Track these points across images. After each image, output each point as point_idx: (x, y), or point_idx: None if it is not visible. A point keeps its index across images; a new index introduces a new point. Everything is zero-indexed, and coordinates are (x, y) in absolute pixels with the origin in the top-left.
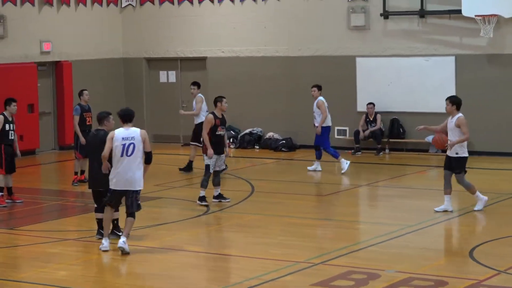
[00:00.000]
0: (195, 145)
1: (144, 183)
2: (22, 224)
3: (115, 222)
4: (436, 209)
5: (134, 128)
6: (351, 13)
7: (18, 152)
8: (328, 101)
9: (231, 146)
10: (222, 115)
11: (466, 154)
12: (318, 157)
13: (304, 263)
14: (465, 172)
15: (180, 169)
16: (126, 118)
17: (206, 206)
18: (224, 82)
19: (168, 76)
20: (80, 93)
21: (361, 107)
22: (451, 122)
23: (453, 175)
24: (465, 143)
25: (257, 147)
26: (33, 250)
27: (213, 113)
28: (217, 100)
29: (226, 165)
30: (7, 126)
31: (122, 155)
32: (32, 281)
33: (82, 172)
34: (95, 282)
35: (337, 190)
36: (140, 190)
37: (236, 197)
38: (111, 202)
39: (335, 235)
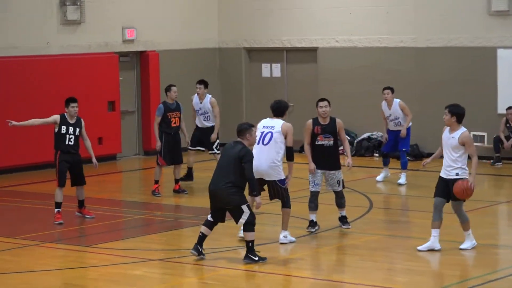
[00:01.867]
0: (197, 150)
1: (289, 181)
2: (99, 241)
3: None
4: (420, 248)
5: (279, 120)
6: None
7: (94, 160)
8: (463, 101)
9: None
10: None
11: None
12: (386, 163)
13: None
14: (464, 200)
15: (180, 179)
16: (277, 112)
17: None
18: (337, 77)
19: (272, 70)
20: (168, 89)
21: (502, 109)
22: (452, 138)
23: (448, 203)
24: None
25: (377, 154)
26: (113, 271)
27: (315, 118)
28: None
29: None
30: (63, 129)
31: (258, 143)
32: None
33: (177, 181)
34: None
35: (472, 207)
36: (282, 180)
37: (351, 214)
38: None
39: (469, 261)
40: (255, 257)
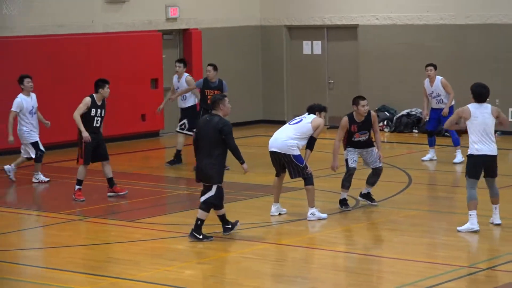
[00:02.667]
0: (184, 133)
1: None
2: (142, 216)
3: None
4: (460, 228)
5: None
6: None
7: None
8: (503, 80)
9: (385, 130)
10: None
11: None
12: (432, 144)
13: (470, 268)
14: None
15: (167, 163)
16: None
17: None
18: (377, 54)
19: (312, 47)
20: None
21: None
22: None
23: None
24: None
25: (416, 131)
26: (156, 246)
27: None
28: (355, 102)
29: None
30: (93, 111)
31: (287, 123)
32: (155, 281)
33: None
34: (228, 284)
35: (507, 184)
36: (296, 156)
37: (390, 190)
38: (275, 169)
39: (508, 236)
40: (200, 235)
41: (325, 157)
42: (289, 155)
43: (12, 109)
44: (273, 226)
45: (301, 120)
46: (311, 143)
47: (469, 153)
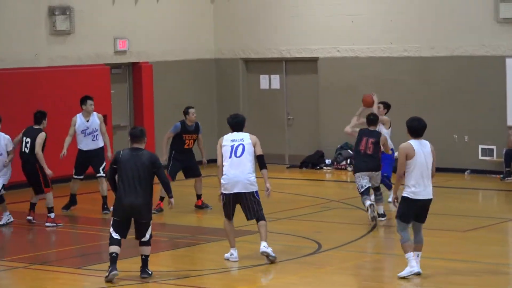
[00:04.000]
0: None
1: (270, 188)
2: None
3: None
4: (401, 274)
5: (244, 133)
6: (500, 2)
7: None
8: (471, 112)
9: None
10: None
11: None
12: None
13: None
14: None
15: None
16: (237, 127)
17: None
18: (339, 88)
19: (270, 81)
20: (186, 112)
21: None
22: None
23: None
24: None
25: None
26: None
27: None
28: None
29: None
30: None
31: (230, 157)
32: None
33: (199, 196)
34: None
35: (481, 225)
36: (257, 191)
37: (354, 232)
38: (228, 212)
39: (479, 280)
40: (150, 271)
41: (286, 198)
42: (253, 192)
43: None
44: (231, 272)
45: (244, 146)
46: (262, 162)
47: (404, 195)
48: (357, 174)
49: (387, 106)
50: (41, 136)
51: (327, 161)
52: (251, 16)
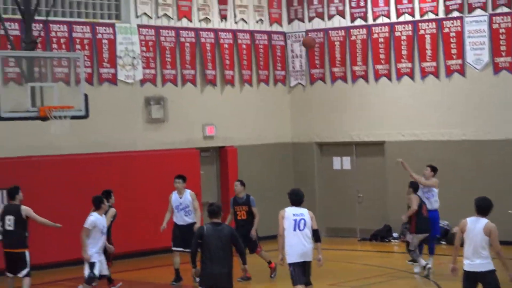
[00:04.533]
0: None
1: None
2: None
3: None
4: None
5: (301, 208)
6: None
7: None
8: None
9: None
10: None
11: None
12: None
13: None
14: None
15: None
16: (297, 202)
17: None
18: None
19: (342, 163)
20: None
21: None
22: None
23: None
24: None
25: (444, 242)
26: None
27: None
28: None
29: None
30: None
31: (294, 230)
32: None
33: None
34: None
35: None
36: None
37: None
38: (299, 279)
39: None
40: None
41: (356, 268)
42: (311, 260)
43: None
44: None
45: (305, 220)
46: (318, 236)
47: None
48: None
49: (434, 169)
50: (111, 213)
51: (395, 235)
52: (323, 104)
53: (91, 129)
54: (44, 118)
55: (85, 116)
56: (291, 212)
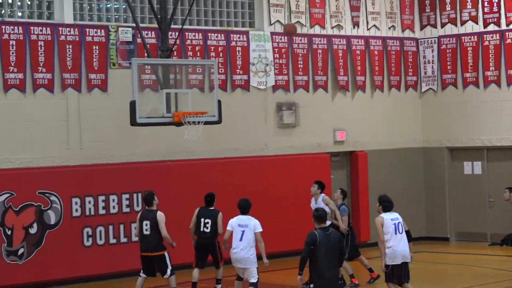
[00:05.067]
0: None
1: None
2: None
3: None
4: None
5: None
6: None
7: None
8: None
9: None
10: None
11: None
12: None
13: None
14: None
15: None
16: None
17: None
18: None
19: (473, 167)
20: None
21: None
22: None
23: None
24: None
25: None
26: None
27: None
28: None
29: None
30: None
31: (396, 233)
32: None
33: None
34: None
35: None
36: None
37: None
38: (393, 280)
39: None
40: None
41: (487, 272)
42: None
43: None
44: None
45: (401, 224)
46: (409, 236)
47: None
48: None
49: None
50: (220, 216)
51: None
52: (454, 109)
53: (224, 134)
54: (178, 124)
55: (218, 122)
56: (389, 217)
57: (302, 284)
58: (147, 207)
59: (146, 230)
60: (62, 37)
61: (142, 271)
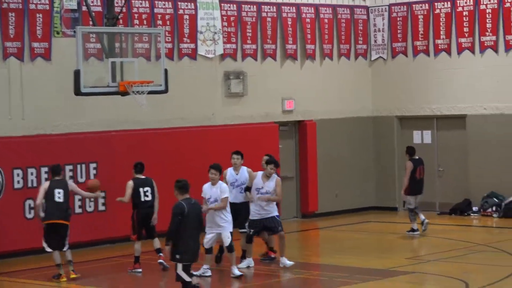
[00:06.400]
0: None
1: None
2: None
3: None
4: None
5: None
6: None
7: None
8: None
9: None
10: None
11: None
12: None
13: None
14: None
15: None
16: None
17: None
18: (486, 142)
19: (422, 137)
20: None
21: None
22: None
23: None
24: None
25: (496, 215)
26: None
27: None
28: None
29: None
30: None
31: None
32: None
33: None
34: None
35: None
36: None
37: (499, 273)
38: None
39: None
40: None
41: (436, 242)
42: None
43: None
44: None
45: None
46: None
47: None
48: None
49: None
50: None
51: (474, 208)
52: (405, 78)
53: (170, 104)
54: (124, 93)
55: (165, 91)
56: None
57: (260, 258)
58: (56, 177)
59: (59, 198)
60: (5, 5)
61: (47, 245)
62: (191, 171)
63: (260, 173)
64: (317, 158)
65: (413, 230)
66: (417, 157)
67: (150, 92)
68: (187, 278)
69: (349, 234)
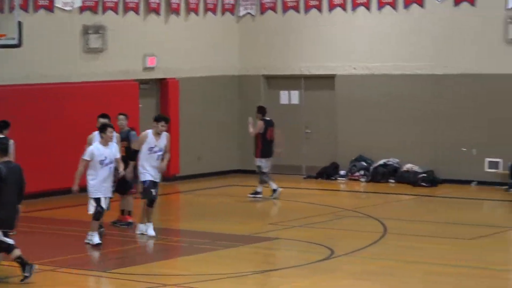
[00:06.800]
0: None
1: None
2: (115, 266)
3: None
4: None
5: None
6: (510, 24)
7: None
8: (479, 127)
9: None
10: None
11: None
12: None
13: None
14: None
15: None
16: None
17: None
18: (355, 104)
19: (290, 97)
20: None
21: None
22: None
23: None
24: None
25: (392, 180)
26: None
27: None
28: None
29: None
30: None
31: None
32: None
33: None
34: None
35: (486, 233)
36: None
37: (365, 239)
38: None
39: (481, 285)
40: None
41: (301, 207)
42: None
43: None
44: (247, 276)
45: None
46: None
47: None
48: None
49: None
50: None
51: (342, 172)
52: (273, 35)
53: (25, 59)
54: None
55: (18, 45)
56: None
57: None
58: None
59: None
60: None
61: None
62: (49, 127)
63: (150, 132)
64: (179, 119)
65: (256, 192)
66: (268, 118)
67: (1, 46)
68: (9, 241)
69: (212, 198)
